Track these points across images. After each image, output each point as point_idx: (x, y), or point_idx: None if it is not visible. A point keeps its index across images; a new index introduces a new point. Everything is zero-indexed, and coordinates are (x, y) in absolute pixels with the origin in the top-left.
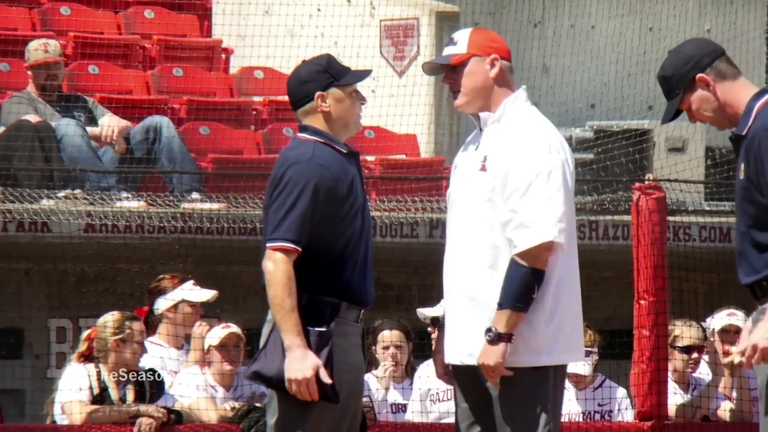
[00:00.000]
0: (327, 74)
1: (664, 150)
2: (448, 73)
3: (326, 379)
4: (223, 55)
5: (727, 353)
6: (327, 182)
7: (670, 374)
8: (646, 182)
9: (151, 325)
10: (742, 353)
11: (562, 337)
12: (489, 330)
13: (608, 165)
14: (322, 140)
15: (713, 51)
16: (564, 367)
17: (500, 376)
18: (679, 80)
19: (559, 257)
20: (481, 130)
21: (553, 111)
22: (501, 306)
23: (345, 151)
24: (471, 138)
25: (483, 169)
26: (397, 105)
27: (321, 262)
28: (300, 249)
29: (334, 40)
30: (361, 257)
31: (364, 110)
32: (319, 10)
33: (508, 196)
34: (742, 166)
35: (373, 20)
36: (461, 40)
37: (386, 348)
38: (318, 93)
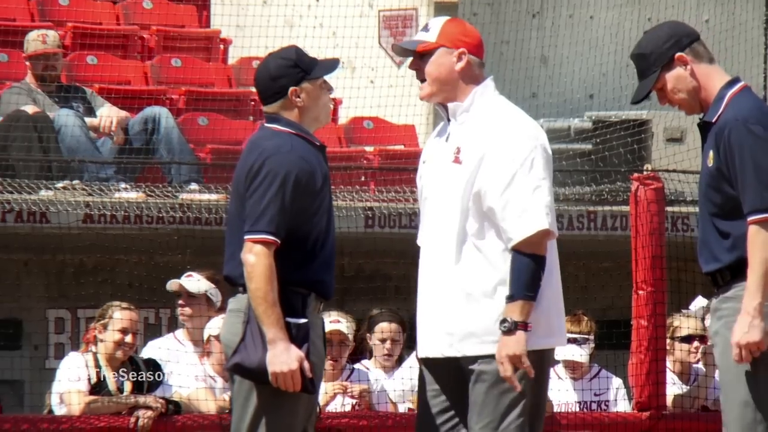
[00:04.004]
0: (298, 68)
1: (662, 140)
2: (416, 59)
3: (308, 372)
4: (222, 46)
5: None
6: (305, 175)
7: (670, 365)
8: (645, 172)
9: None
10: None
11: (549, 322)
12: (504, 321)
13: (607, 155)
14: (295, 132)
15: (692, 33)
16: (550, 352)
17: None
18: (657, 58)
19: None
20: (448, 120)
21: (552, 101)
22: (513, 297)
23: (317, 144)
24: (439, 130)
25: (457, 161)
26: (395, 96)
27: (294, 253)
28: (279, 241)
29: (333, 31)
30: (328, 251)
31: (363, 100)
32: (317, 0)
33: (493, 188)
34: (711, 153)
35: (372, 10)
36: (434, 29)
37: (383, 340)
38: (291, 88)
